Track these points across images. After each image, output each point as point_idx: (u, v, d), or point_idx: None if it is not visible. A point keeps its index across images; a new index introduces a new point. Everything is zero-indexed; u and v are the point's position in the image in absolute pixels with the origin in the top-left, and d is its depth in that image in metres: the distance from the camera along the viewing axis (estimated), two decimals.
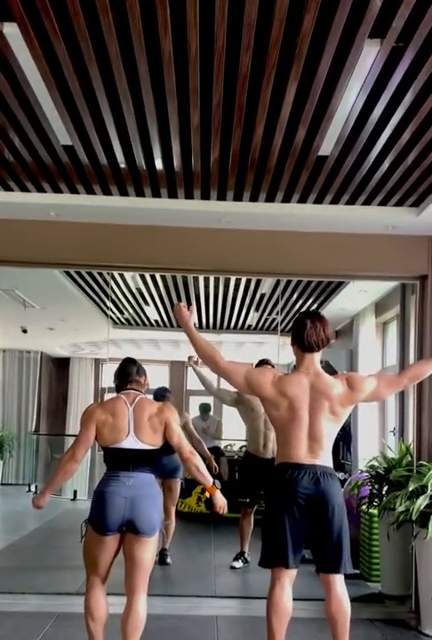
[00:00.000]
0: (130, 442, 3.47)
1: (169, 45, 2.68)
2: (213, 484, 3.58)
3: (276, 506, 3.45)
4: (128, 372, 3.68)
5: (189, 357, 5.92)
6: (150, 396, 5.03)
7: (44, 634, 4.26)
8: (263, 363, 5.85)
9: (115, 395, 3.68)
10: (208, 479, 3.56)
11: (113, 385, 3.79)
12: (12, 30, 2.60)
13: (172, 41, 2.65)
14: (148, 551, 3.46)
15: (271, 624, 3.41)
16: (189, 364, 6.11)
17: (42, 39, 2.67)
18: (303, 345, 3.53)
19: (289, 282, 6.77)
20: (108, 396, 7.02)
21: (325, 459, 3.48)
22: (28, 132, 3.56)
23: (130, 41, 2.66)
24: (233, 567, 6.06)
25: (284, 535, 3.38)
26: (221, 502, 3.57)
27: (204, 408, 8.95)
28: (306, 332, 3.50)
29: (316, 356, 3.57)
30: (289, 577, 3.45)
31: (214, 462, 6.68)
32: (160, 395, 6.19)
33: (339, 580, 3.44)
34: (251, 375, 3.58)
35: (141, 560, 3.44)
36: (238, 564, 6.08)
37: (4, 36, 2.64)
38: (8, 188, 4.49)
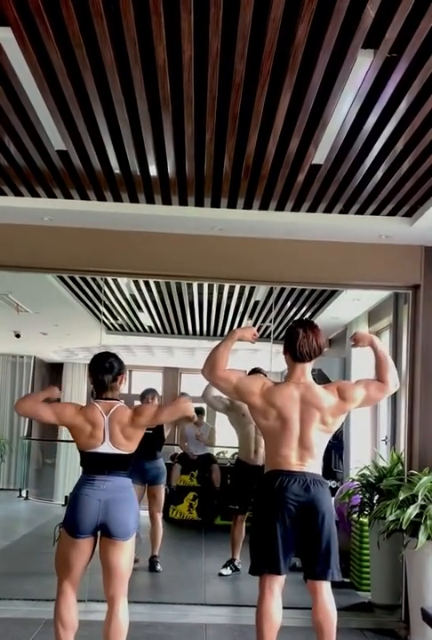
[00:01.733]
0: (105, 447, 3.48)
1: (163, 53, 2.68)
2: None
3: (267, 513, 3.45)
4: (103, 381, 3.59)
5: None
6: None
7: None
8: (255, 371, 5.85)
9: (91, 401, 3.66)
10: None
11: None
12: (6, 35, 2.60)
13: (167, 49, 2.65)
14: (123, 556, 3.45)
15: (262, 631, 3.40)
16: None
17: (36, 44, 2.67)
18: (295, 355, 3.54)
19: (282, 290, 6.77)
20: None
21: (315, 466, 3.49)
22: (22, 136, 3.55)
23: (124, 48, 2.66)
24: (221, 574, 6.04)
25: (275, 541, 3.38)
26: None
27: (197, 414, 8.94)
28: (298, 342, 3.51)
29: (308, 366, 3.57)
30: (279, 584, 3.45)
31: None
32: (143, 395, 6.21)
33: (325, 588, 3.44)
34: (241, 383, 3.58)
35: (118, 565, 3.43)
36: (226, 571, 6.06)
37: None
38: (2, 193, 4.49)
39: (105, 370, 3.60)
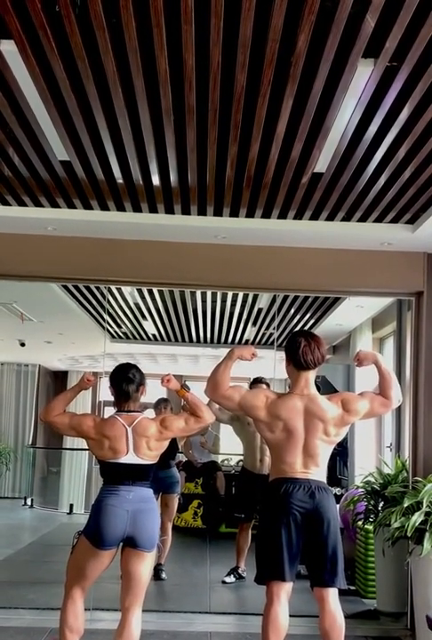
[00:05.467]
0: (129, 458, 3.48)
1: (165, 64, 2.70)
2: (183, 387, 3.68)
3: (272, 520, 3.46)
4: (125, 393, 3.59)
5: None
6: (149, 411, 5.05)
7: None
8: (257, 381, 5.85)
9: (113, 412, 3.64)
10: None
11: (111, 397, 3.75)
12: (9, 47, 2.62)
13: (168, 59, 2.67)
14: (146, 566, 3.46)
15: (268, 639, 3.39)
16: None
17: (39, 57, 2.69)
18: (298, 363, 3.55)
19: (286, 297, 6.77)
20: (105, 410, 6.99)
21: (319, 474, 3.51)
22: (25, 147, 3.58)
23: (126, 59, 2.68)
24: (224, 582, 6.04)
25: (280, 548, 3.38)
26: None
27: None
28: (300, 351, 3.52)
29: (311, 375, 3.58)
30: (286, 591, 3.45)
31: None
32: (157, 405, 6.22)
33: (332, 595, 3.43)
34: (244, 400, 3.60)
35: (140, 576, 3.43)
36: (230, 579, 6.06)
37: (2, 53, 2.66)
38: (6, 203, 4.51)
39: (127, 382, 3.60)
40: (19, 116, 3.23)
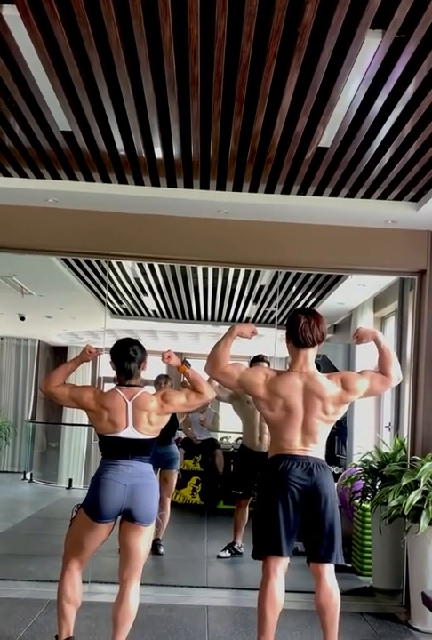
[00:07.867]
0: (128, 433, 3.47)
1: (169, 33, 2.66)
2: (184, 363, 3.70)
3: (270, 496, 3.47)
4: (128, 369, 3.58)
5: None
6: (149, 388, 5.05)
7: (34, 621, 4.28)
8: (258, 359, 5.84)
9: (113, 386, 3.64)
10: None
11: (111, 373, 3.74)
12: (11, 13, 2.57)
13: (173, 28, 2.62)
14: (144, 540, 3.47)
15: (265, 614, 3.41)
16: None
17: (41, 23, 2.65)
18: (298, 341, 3.54)
19: (287, 274, 6.75)
20: (105, 386, 7.03)
21: (318, 451, 3.52)
22: (26, 117, 3.53)
23: (130, 28, 2.64)
24: (219, 556, 6.09)
25: (278, 524, 3.40)
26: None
27: None
28: (300, 327, 3.52)
29: (311, 353, 3.57)
30: (282, 567, 3.47)
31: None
32: (157, 381, 6.23)
33: (328, 570, 3.45)
34: (244, 377, 3.60)
35: (138, 549, 3.45)
36: (225, 553, 6.12)
37: (3, 18, 2.61)
38: (6, 174, 4.47)
39: (128, 360, 3.59)
40: (20, 85, 3.19)
